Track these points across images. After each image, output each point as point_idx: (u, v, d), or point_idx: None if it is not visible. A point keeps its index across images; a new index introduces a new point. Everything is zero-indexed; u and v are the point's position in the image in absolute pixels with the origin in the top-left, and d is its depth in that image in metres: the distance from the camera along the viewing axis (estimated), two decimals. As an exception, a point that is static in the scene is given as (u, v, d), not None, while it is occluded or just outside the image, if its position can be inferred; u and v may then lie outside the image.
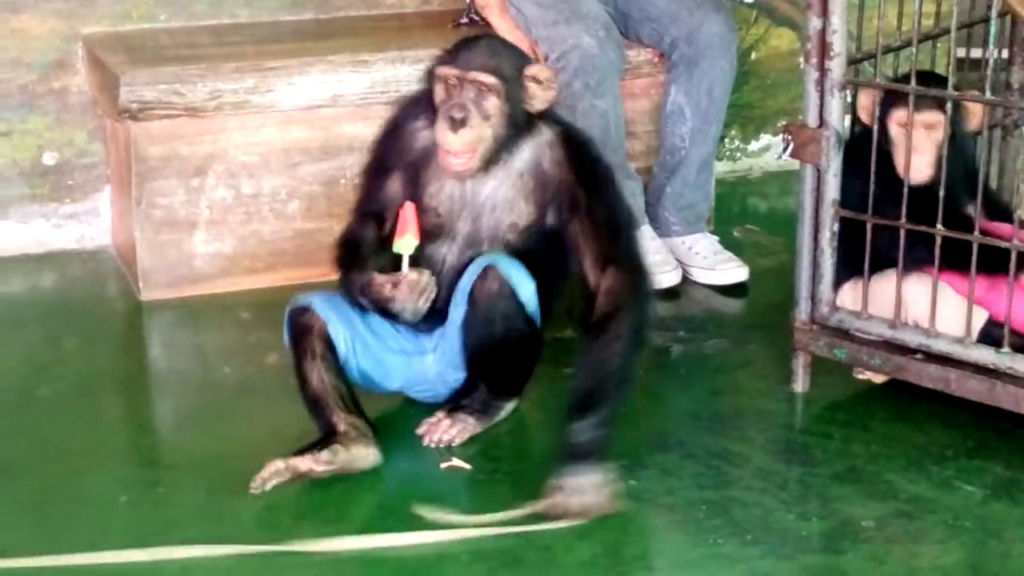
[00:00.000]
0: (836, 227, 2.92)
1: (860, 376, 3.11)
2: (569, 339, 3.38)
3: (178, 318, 3.54)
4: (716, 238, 3.87)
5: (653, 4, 3.85)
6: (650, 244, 3.76)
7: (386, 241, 2.82)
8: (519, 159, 2.81)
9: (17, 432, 2.93)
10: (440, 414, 2.90)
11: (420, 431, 2.88)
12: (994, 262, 2.75)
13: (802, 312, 3.02)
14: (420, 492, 2.69)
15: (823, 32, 2.84)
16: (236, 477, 2.67)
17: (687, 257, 3.80)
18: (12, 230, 3.94)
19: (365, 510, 2.65)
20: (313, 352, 2.78)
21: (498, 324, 2.78)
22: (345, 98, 3.70)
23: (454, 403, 2.91)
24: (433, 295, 2.75)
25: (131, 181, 3.62)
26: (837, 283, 2.97)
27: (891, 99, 2.89)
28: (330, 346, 2.79)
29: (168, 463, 2.80)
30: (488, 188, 2.82)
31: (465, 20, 4.05)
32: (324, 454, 2.67)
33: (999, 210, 3.08)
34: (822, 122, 2.88)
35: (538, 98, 2.80)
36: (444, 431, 2.86)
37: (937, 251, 2.77)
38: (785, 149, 2.96)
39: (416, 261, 2.77)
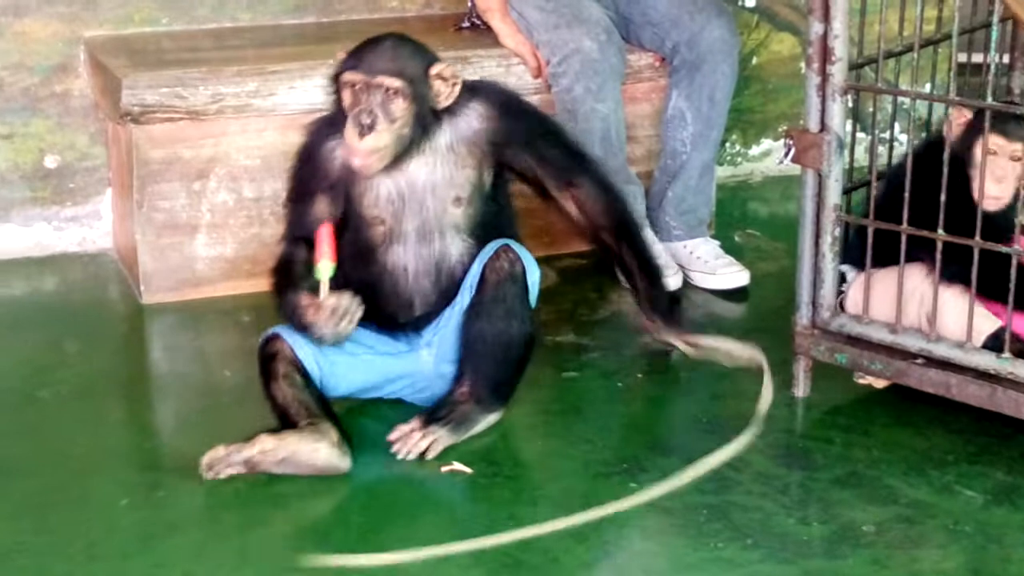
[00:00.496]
0: (837, 232, 2.92)
1: (861, 381, 3.11)
2: (569, 343, 3.41)
3: (179, 321, 3.54)
4: (717, 242, 3.87)
5: (655, 8, 3.86)
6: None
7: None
8: (442, 136, 2.86)
9: (18, 434, 2.93)
10: (414, 423, 2.87)
11: (392, 437, 2.85)
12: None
13: (803, 317, 3.02)
14: (420, 496, 2.70)
15: (825, 37, 2.84)
16: (237, 480, 2.68)
17: (688, 261, 3.80)
18: (14, 233, 3.95)
19: (367, 514, 2.65)
20: (276, 374, 2.81)
21: (504, 306, 2.84)
22: (347, 102, 3.69)
23: (429, 414, 2.88)
24: (356, 317, 2.73)
25: (133, 184, 3.62)
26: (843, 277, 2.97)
27: (982, 122, 2.80)
28: (297, 367, 2.81)
29: (169, 466, 2.80)
30: (423, 174, 2.85)
31: (466, 24, 4.06)
32: (268, 441, 2.67)
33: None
34: (823, 127, 2.88)
35: (444, 95, 2.83)
36: (416, 443, 2.83)
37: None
38: (786, 154, 2.96)
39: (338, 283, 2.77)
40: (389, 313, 2.92)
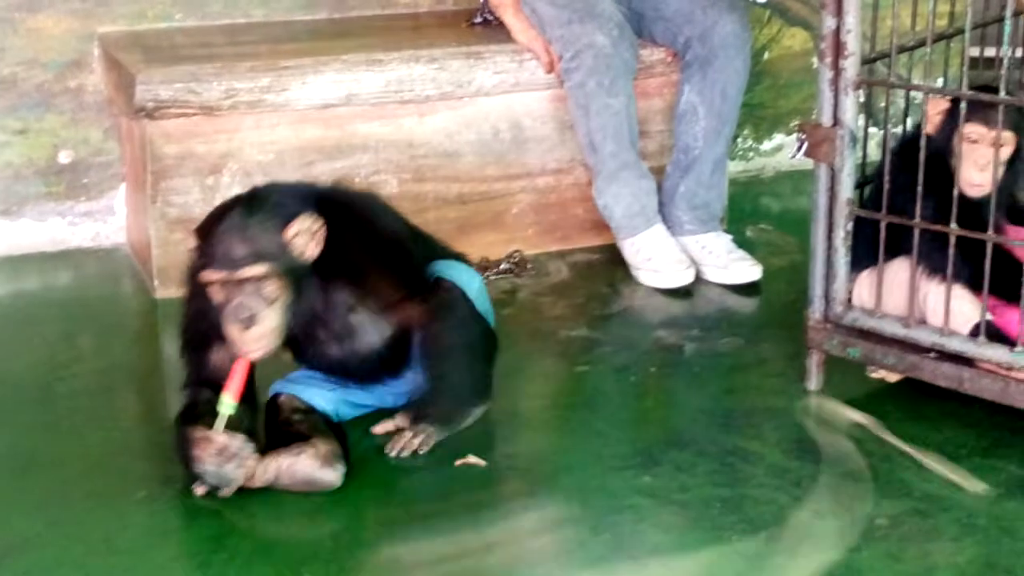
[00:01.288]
0: (850, 226, 2.93)
1: (874, 375, 3.11)
2: (582, 338, 3.42)
3: (193, 316, 3.55)
4: (730, 237, 3.88)
5: (667, 3, 3.86)
6: (664, 242, 3.77)
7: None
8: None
9: (35, 428, 2.94)
10: (400, 420, 2.88)
11: (378, 430, 2.88)
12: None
13: (816, 311, 3.02)
14: (435, 490, 2.71)
15: (837, 31, 2.84)
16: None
17: (701, 256, 3.81)
18: (28, 228, 3.96)
19: (384, 508, 2.66)
20: (280, 420, 2.78)
21: (459, 329, 2.82)
22: (359, 97, 3.71)
23: (417, 411, 2.86)
24: (248, 463, 2.58)
25: (146, 179, 3.63)
26: (853, 271, 2.97)
27: (961, 112, 2.79)
28: (302, 409, 2.80)
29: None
30: (314, 303, 2.70)
31: (479, 19, 4.07)
32: (250, 461, 2.61)
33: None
34: (836, 121, 2.88)
35: (310, 247, 2.62)
36: (408, 440, 2.82)
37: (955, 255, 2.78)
38: (799, 148, 2.97)
39: (239, 423, 2.63)
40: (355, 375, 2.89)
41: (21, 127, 3.92)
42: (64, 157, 3.97)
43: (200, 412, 2.66)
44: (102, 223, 4.01)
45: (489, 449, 2.84)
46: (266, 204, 2.64)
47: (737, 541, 2.51)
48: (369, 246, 2.73)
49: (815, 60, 4.50)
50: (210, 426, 2.60)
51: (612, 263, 3.85)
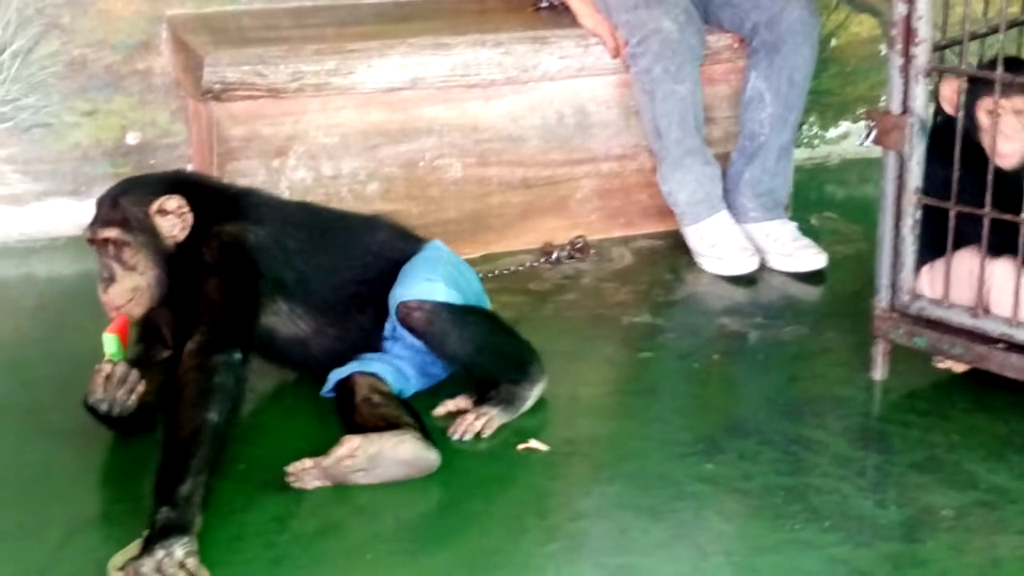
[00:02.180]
0: (918, 215, 2.90)
1: (940, 365, 3.09)
2: (645, 324, 3.41)
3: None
4: (794, 225, 3.85)
5: (734, -11, 3.85)
6: (728, 230, 3.76)
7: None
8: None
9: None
10: (461, 401, 2.90)
11: (438, 412, 2.91)
12: None
13: (882, 300, 3.00)
14: (497, 473, 2.71)
15: (908, 18, 2.81)
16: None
17: (765, 244, 3.79)
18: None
19: (446, 490, 2.67)
20: (355, 403, 2.81)
21: (451, 335, 2.86)
22: (425, 81, 3.72)
23: (480, 396, 2.90)
24: (137, 388, 2.73)
25: (213, 161, 3.66)
26: (917, 265, 2.95)
27: (978, 87, 2.86)
28: (376, 388, 2.85)
29: (250, 439, 2.81)
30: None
31: (545, 4, 4.07)
32: (354, 439, 2.64)
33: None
34: (906, 109, 2.86)
35: (177, 227, 2.79)
36: (470, 423, 2.84)
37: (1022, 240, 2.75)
38: (867, 135, 2.95)
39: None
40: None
41: (90, 108, 3.96)
42: (132, 138, 4.00)
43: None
44: (168, 204, 4.04)
45: (551, 434, 2.84)
46: (145, 181, 2.94)
47: (800, 530, 2.50)
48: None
49: (883, 47, 4.49)
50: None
51: (676, 249, 3.84)
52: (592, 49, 3.83)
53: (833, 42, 4.54)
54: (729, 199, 3.85)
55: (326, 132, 3.69)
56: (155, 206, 2.78)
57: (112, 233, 2.76)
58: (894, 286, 2.98)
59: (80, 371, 3.11)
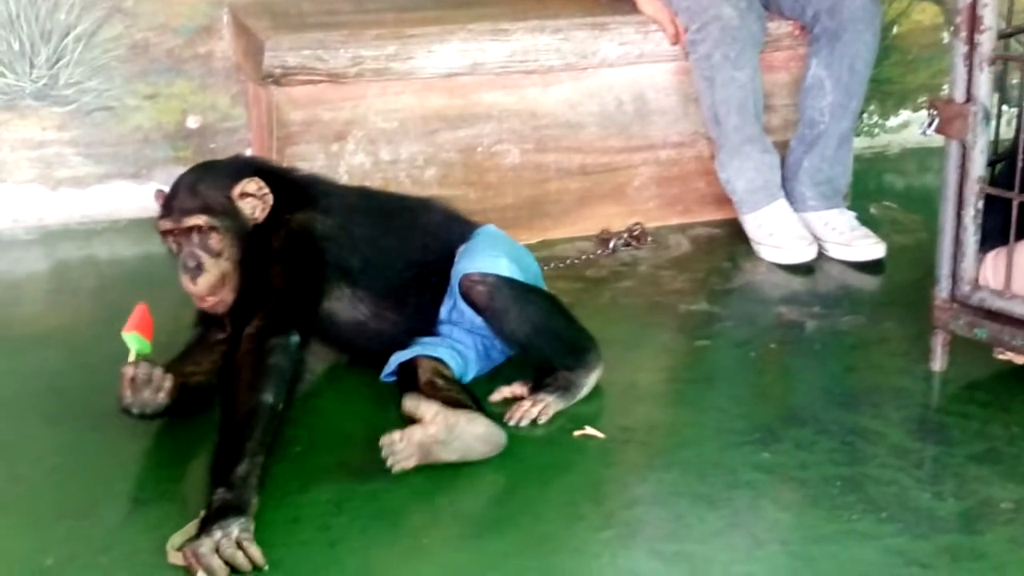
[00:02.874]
0: (980, 204, 2.88)
1: (1000, 356, 3.06)
2: (702, 312, 3.40)
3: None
4: (853, 214, 3.83)
5: (795, -24, 3.82)
6: (786, 218, 3.74)
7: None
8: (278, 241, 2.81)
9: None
10: (518, 388, 2.90)
11: (494, 398, 2.91)
12: None
13: (942, 290, 2.98)
14: (553, 460, 2.71)
15: (973, 5, 2.78)
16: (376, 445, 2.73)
17: (823, 232, 3.77)
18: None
19: (503, 475, 2.67)
20: (417, 385, 2.81)
21: (511, 312, 2.85)
22: (484, 66, 3.72)
23: (537, 382, 2.90)
24: (166, 386, 2.72)
25: (272, 145, 3.68)
26: (980, 251, 2.93)
27: None
28: (437, 371, 2.86)
29: (306, 423, 2.84)
30: None
31: (605, -10, 4.06)
32: (432, 407, 2.64)
33: None
34: (969, 97, 2.83)
35: (258, 209, 2.79)
36: (527, 410, 2.84)
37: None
38: (930, 124, 2.92)
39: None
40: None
41: (151, 92, 3.99)
42: (192, 122, 4.04)
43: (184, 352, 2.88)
44: (228, 188, 4.07)
45: (607, 421, 2.84)
46: (219, 166, 2.91)
47: (857, 521, 2.49)
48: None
49: (945, 35, 4.45)
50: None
51: (733, 237, 3.82)
52: (652, 35, 3.82)
53: (895, 30, 4.51)
54: (788, 187, 3.83)
55: (385, 117, 3.70)
56: (238, 189, 2.78)
57: (200, 220, 2.74)
58: (955, 276, 2.95)
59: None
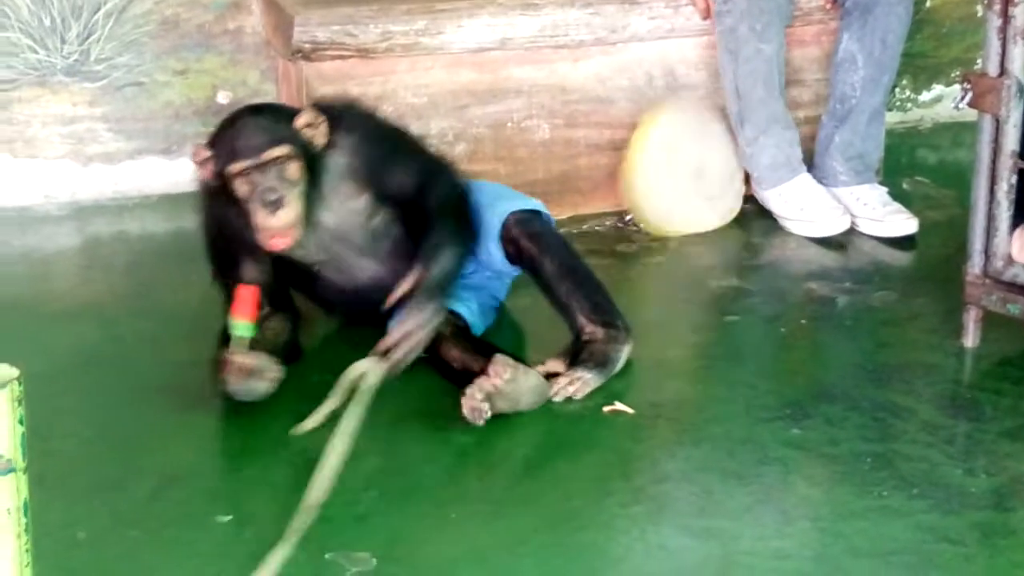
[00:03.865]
0: (1014, 179, 2.86)
1: (1033, 333, 3.05)
2: (732, 288, 3.40)
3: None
4: (885, 189, 3.80)
5: (828, -51, 3.79)
6: (814, 190, 3.72)
7: (265, 320, 2.88)
8: (330, 176, 2.84)
9: (192, 364, 2.97)
10: (557, 365, 2.89)
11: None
12: None
13: (975, 266, 2.96)
14: (583, 436, 2.72)
15: (1007, -22, 2.76)
16: (408, 418, 2.73)
17: (855, 208, 3.74)
18: (187, 167, 4.00)
19: (534, 450, 2.68)
20: (438, 340, 2.85)
21: (551, 255, 2.93)
22: (514, 41, 3.71)
23: (572, 356, 2.90)
24: (272, 376, 2.75)
25: (302, 121, 3.67)
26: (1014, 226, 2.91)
27: None
28: (454, 325, 2.90)
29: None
30: (331, 218, 2.87)
31: (635, -36, 4.03)
32: (499, 360, 2.69)
33: None
34: (1003, 71, 2.81)
35: (317, 138, 2.81)
36: (563, 387, 2.84)
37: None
38: (962, 98, 2.90)
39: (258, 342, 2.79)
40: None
41: (182, 67, 4.00)
42: (222, 98, 4.04)
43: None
44: (258, 163, 4.07)
45: (637, 396, 2.83)
46: (264, 106, 2.96)
47: (887, 497, 2.48)
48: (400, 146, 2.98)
49: (980, 8, 4.41)
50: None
51: (763, 213, 3.81)
52: (682, 10, 3.80)
53: (928, 3, 4.47)
54: (819, 162, 3.81)
55: (415, 92, 3.69)
56: (301, 120, 2.79)
57: (283, 150, 2.74)
58: (987, 252, 2.93)
59: (171, 328, 3.18)
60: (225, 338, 2.81)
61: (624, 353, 2.93)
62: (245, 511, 2.46)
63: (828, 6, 3.86)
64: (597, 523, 2.42)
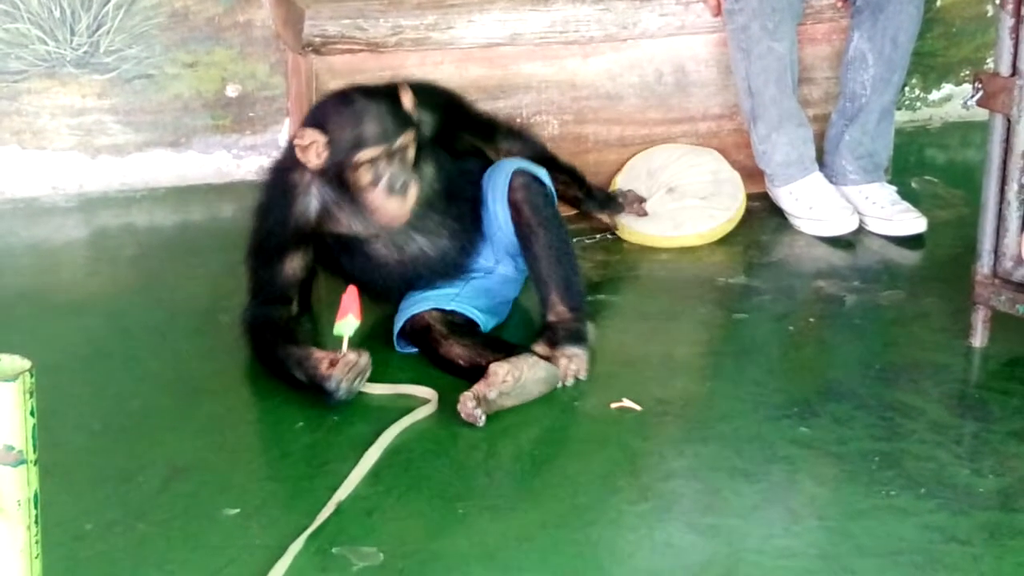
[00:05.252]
0: (1024, 179, 2.86)
1: (1040, 335, 3.04)
2: (740, 285, 3.39)
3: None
4: (894, 188, 3.80)
5: (839, -53, 3.79)
6: (824, 189, 3.72)
7: (296, 320, 2.89)
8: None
9: (201, 356, 3.01)
10: (544, 349, 2.88)
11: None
12: None
13: (984, 265, 2.95)
14: (591, 433, 2.71)
15: (1020, -22, 2.76)
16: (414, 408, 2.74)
17: (864, 207, 3.74)
18: (195, 160, 4.04)
19: (540, 448, 2.68)
20: (439, 338, 2.89)
21: (548, 224, 2.96)
22: (524, 37, 3.71)
23: (549, 338, 2.90)
24: (368, 375, 2.76)
25: (311, 114, 3.67)
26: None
27: None
28: (454, 323, 2.91)
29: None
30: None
31: (646, -39, 4.02)
32: (501, 368, 2.70)
33: None
34: (1015, 71, 2.80)
35: (417, 116, 2.87)
36: (566, 369, 2.85)
37: None
38: (973, 97, 2.89)
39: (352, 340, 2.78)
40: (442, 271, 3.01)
41: (191, 60, 3.99)
42: (231, 91, 4.04)
43: (288, 332, 2.84)
44: (266, 157, 4.06)
45: (644, 394, 2.83)
46: (372, 89, 2.88)
47: (895, 496, 2.48)
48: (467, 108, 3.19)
49: (990, 8, 4.40)
50: (316, 344, 2.82)
51: (772, 211, 3.80)
52: (692, 7, 3.79)
53: (938, 2, 4.46)
54: (828, 161, 3.80)
55: (424, 87, 3.69)
56: (407, 99, 2.84)
57: (411, 135, 2.81)
58: (997, 252, 2.93)
59: (178, 320, 3.18)
60: (279, 334, 2.82)
61: (591, 330, 2.94)
62: (252, 504, 2.45)
63: (839, 4, 3.85)
64: (604, 520, 2.42)
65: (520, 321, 3.14)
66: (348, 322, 2.75)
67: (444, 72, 3.68)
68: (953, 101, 4.52)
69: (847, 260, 3.57)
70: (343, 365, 2.71)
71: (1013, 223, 2.89)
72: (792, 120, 3.72)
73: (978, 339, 3.02)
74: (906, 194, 3.81)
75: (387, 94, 2.85)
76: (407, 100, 2.83)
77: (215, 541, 2.35)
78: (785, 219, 3.75)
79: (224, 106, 4.04)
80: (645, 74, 3.83)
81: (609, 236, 3.61)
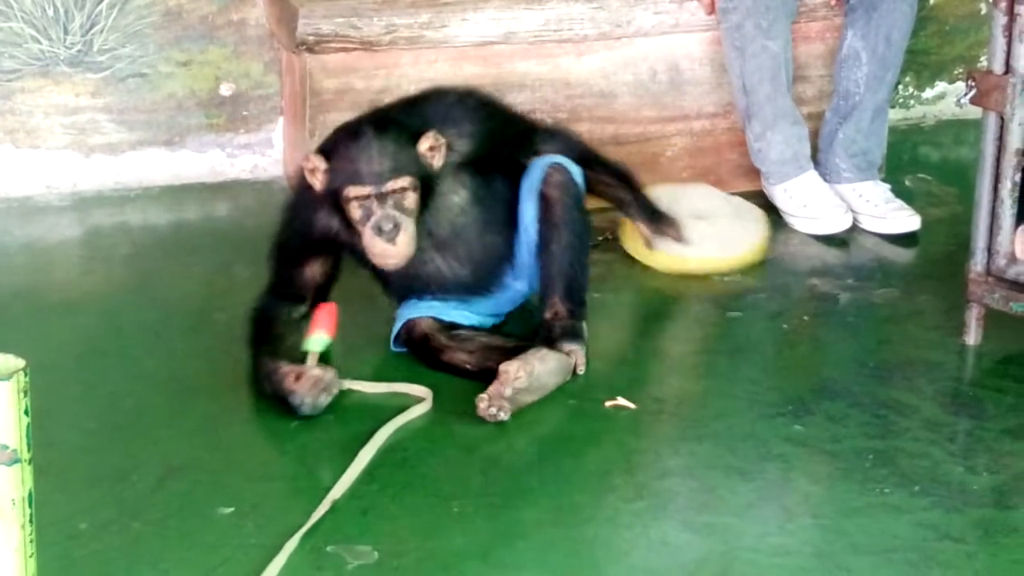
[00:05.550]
0: (1018, 177, 2.85)
1: (1034, 332, 3.05)
2: (735, 283, 3.39)
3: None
4: (887, 186, 3.80)
5: (832, -54, 3.79)
6: (818, 188, 3.72)
7: (302, 320, 2.87)
8: (442, 190, 2.86)
9: (195, 355, 3.00)
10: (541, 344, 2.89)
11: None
12: None
13: (978, 263, 2.96)
14: (585, 431, 2.71)
15: (1013, -24, 2.76)
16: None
17: (857, 204, 3.74)
18: (189, 159, 4.04)
19: (535, 446, 2.69)
20: (440, 346, 2.88)
21: (573, 219, 2.92)
22: (518, 35, 3.71)
23: (545, 336, 2.89)
24: (334, 391, 2.73)
25: (305, 113, 3.68)
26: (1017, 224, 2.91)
27: None
28: (451, 329, 2.91)
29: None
30: (431, 221, 2.86)
31: (639, -41, 4.02)
32: (512, 366, 2.69)
33: None
34: (1008, 69, 2.81)
35: (437, 159, 2.79)
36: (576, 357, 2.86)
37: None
38: (966, 95, 2.90)
39: (324, 357, 2.79)
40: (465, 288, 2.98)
41: (185, 59, 3.99)
42: (225, 90, 4.03)
43: (273, 335, 2.83)
44: (260, 155, 4.07)
45: (639, 392, 2.83)
46: (394, 123, 2.81)
47: (889, 494, 2.48)
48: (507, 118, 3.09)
49: (983, 5, 4.41)
50: (295, 359, 2.76)
51: (767, 209, 3.79)
52: (687, 5, 3.80)
53: (931, 0, 4.47)
54: (822, 159, 3.81)
55: (418, 85, 3.66)
56: (425, 144, 2.77)
57: (403, 182, 2.73)
58: (990, 250, 2.93)
59: (172, 319, 3.18)
60: (266, 342, 2.82)
61: (585, 328, 2.94)
62: (247, 502, 2.45)
63: (833, 2, 3.86)
64: (599, 518, 2.42)
65: (513, 317, 3.14)
66: (317, 338, 2.78)
67: (438, 71, 3.68)
68: (947, 99, 4.53)
69: (841, 258, 3.57)
70: (307, 380, 2.71)
71: (1006, 221, 2.89)
72: (787, 118, 3.72)
73: (972, 337, 3.03)
74: (900, 192, 3.82)
75: (403, 130, 2.78)
76: (426, 143, 2.77)
77: (210, 540, 2.35)
78: (779, 217, 3.75)
79: (218, 105, 4.04)
80: (639, 72, 3.83)
81: (609, 237, 3.60)
